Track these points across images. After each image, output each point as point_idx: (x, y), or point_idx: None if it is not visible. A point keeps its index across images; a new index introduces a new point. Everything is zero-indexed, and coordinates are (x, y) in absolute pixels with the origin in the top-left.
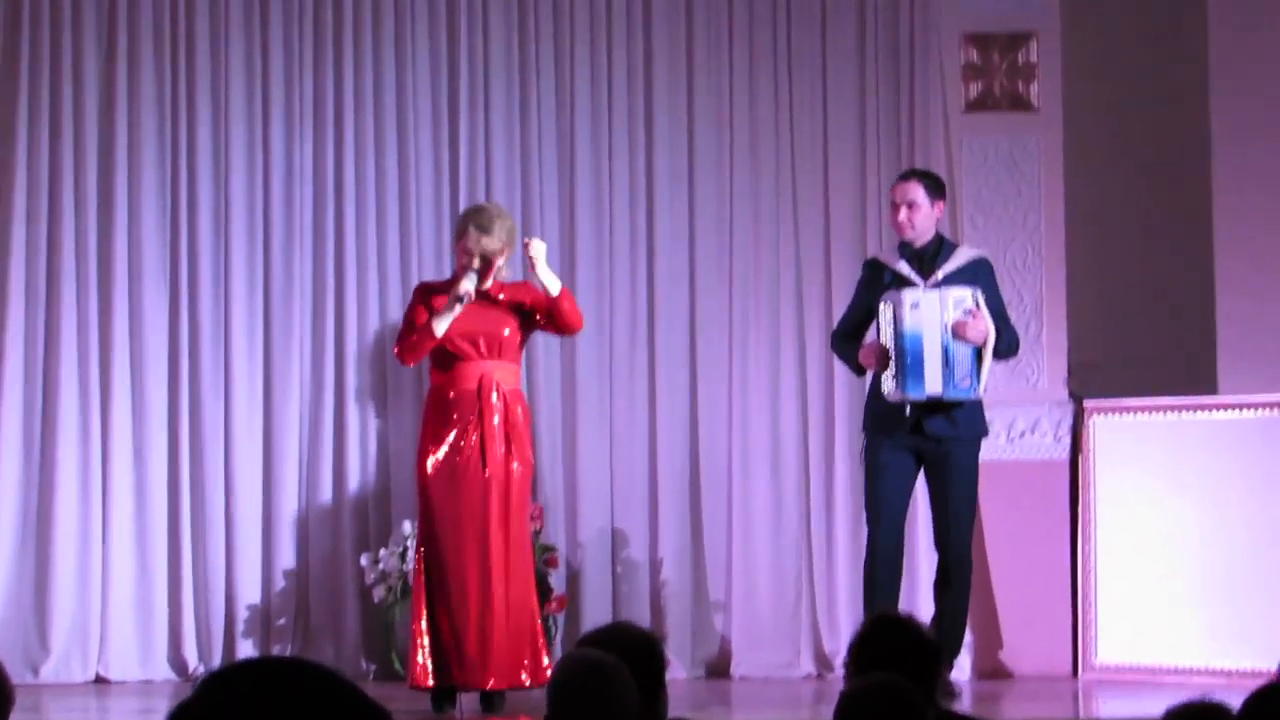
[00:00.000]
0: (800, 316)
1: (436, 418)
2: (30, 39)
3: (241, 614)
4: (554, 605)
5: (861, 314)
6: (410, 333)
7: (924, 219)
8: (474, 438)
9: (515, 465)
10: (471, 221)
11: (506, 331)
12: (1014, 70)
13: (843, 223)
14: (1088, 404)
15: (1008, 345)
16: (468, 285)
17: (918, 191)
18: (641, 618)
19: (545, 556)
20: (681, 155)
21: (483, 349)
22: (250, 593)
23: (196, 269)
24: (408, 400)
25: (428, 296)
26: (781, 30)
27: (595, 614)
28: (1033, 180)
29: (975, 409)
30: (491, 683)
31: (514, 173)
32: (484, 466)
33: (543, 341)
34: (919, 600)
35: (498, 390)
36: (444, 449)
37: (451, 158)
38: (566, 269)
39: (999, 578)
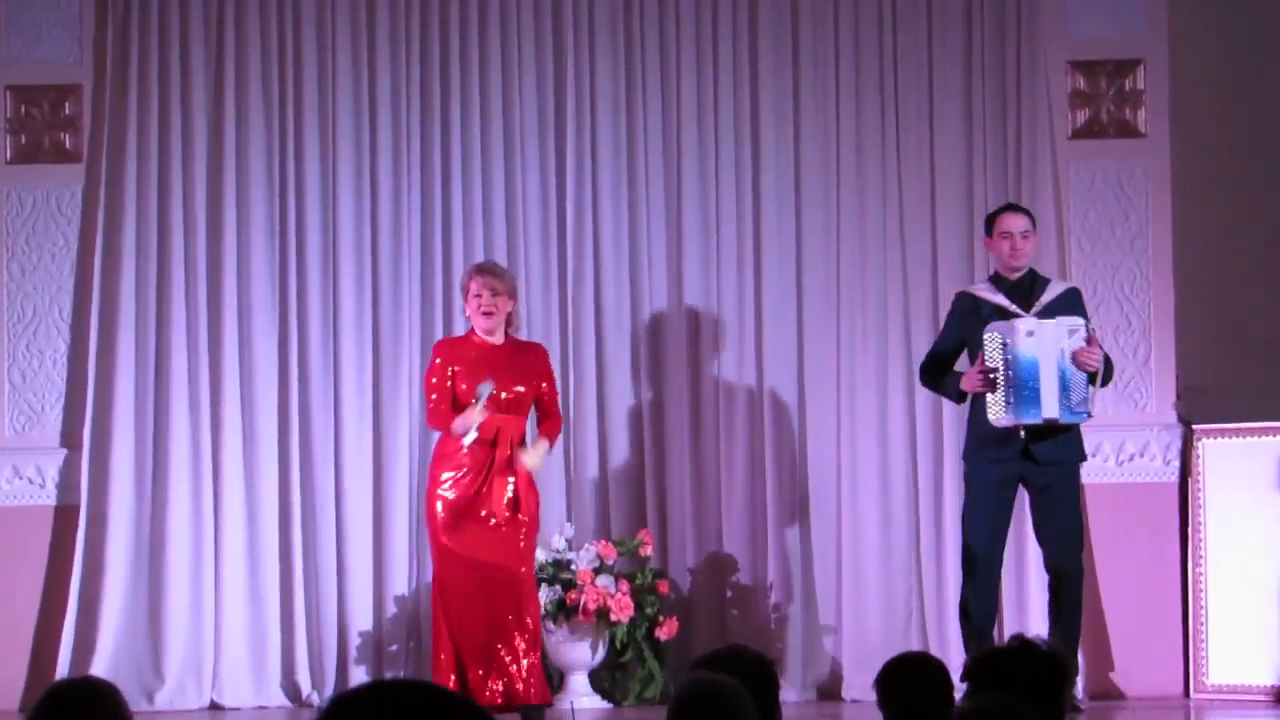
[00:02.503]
0: (908, 341)
1: (447, 464)
2: (139, 71)
3: (354, 640)
4: (664, 630)
5: (953, 346)
6: (433, 403)
7: (1031, 248)
8: (482, 486)
9: (521, 515)
10: (479, 272)
11: (519, 388)
12: (1121, 96)
13: (950, 247)
14: (1197, 428)
15: (1107, 372)
16: (473, 426)
17: (1027, 221)
18: (752, 641)
19: (655, 582)
20: (788, 179)
21: (494, 403)
22: (362, 619)
23: (305, 299)
24: None
25: (448, 358)
26: (888, 57)
27: (706, 639)
28: (1140, 205)
29: (1077, 434)
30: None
31: (620, 198)
32: (491, 513)
33: (656, 371)
34: (1030, 620)
35: (510, 442)
36: (453, 494)
37: (559, 186)
38: (674, 293)
39: (1110, 600)
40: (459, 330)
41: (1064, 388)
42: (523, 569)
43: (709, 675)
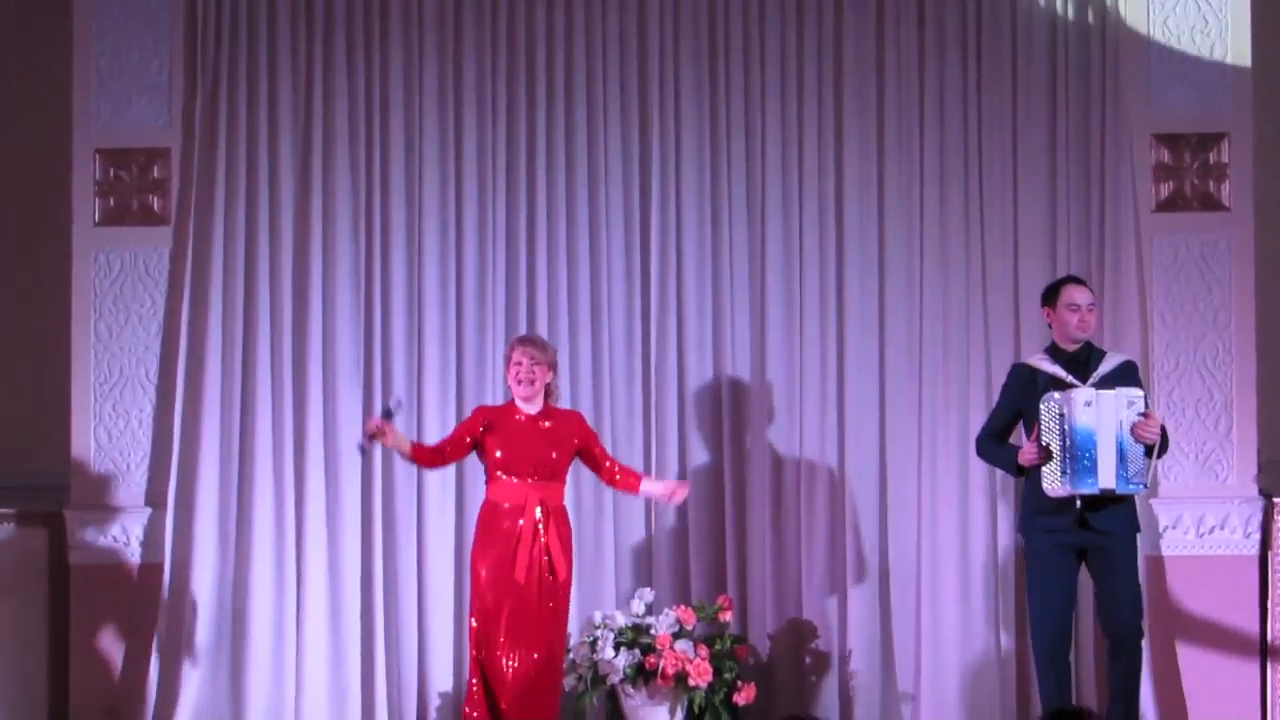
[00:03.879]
0: (989, 413)
1: (488, 530)
2: (227, 135)
3: (434, 701)
4: (743, 695)
5: (1009, 417)
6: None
7: (1095, 321)
8: (519, 550)
9: (553, 576)
10: (520, 342)
11: (554, 455)
12: (1205, 170)
13: (1032, 319)
14: (1278, 500)
15: (1163, 444)
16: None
17: (1092, 296)
18: (830, 707)
19: (734, 647)
20: (871, 252)
21: (533, 471)
22: (442, 680)
23: (389, 361)
24: (588, 491)
25: (483, 416)
26: (973, 126)
27: (785, 704)
28: (1223, 278)
29: (1133, 505)
30: None
31: (704, 266)
32: (527, 575)
33: (738, 436)
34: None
35: (543, 508)
36: (493, 557)
37: (643, 253)
38: (756, 366)
39: (1188, 671)
40: None
41: (1121, 458)
42: (552, 636)
43: None
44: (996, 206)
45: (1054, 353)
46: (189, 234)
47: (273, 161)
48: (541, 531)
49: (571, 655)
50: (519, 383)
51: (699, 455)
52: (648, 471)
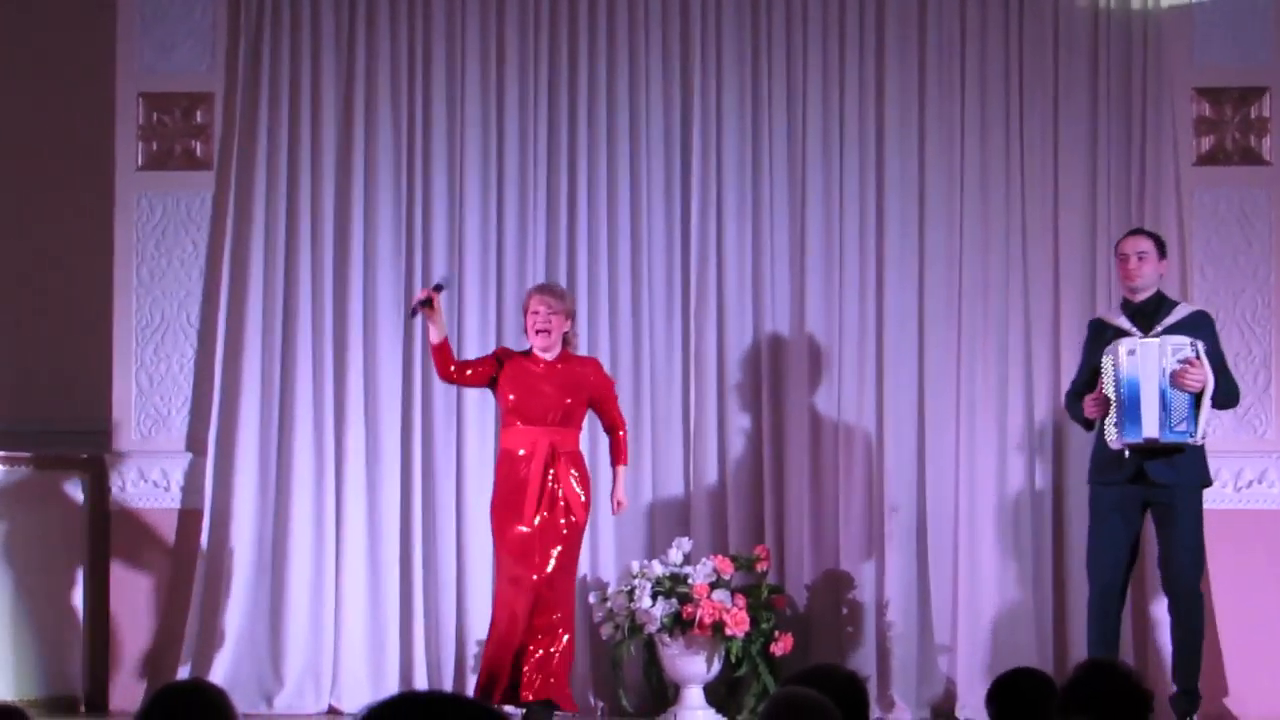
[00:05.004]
0: (1028, 363)
1: (504, 477)
2: (270, 80)
3: (471, 649)
4: (780, 645)
5: (1089, 372)
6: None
7: (1151, 271)
8: (534, 495)
9: (566, 519)
10: (538, 291)
11: (568, 401)
12: (1246, 124)
13: (1072, 272)
14: None
15: (1225, 395)
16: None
17: (1149, 244)
18: (867, 658)
19: (771, 597)
20: (912, 204)
21: (545, 417)
22: (479, 627)
23: None
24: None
25: (502, 355)
26: (1014, 81)
27: (822, 654)
28: (1264, 233)
29: (1197, 457)
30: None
31: (745, 221)
32: (538, 519)
33: (777, 388)
34: (1157, 640)
35: (555, 452)
36: (508, 503)
37: (683, 208)
38: (796, 319)
39: (1225, 625)
40: (581, 345)
41: (1165, 407)
42: (550, 570)
43: (798, 689)
44: (1037, 160)
45: (1125, 305)
46: (231, 179)
47: (315, 108)
48: (553, 477)
49: (609, 604)
50: (536, 332)
51: (738, 407)
52: (687, 427)
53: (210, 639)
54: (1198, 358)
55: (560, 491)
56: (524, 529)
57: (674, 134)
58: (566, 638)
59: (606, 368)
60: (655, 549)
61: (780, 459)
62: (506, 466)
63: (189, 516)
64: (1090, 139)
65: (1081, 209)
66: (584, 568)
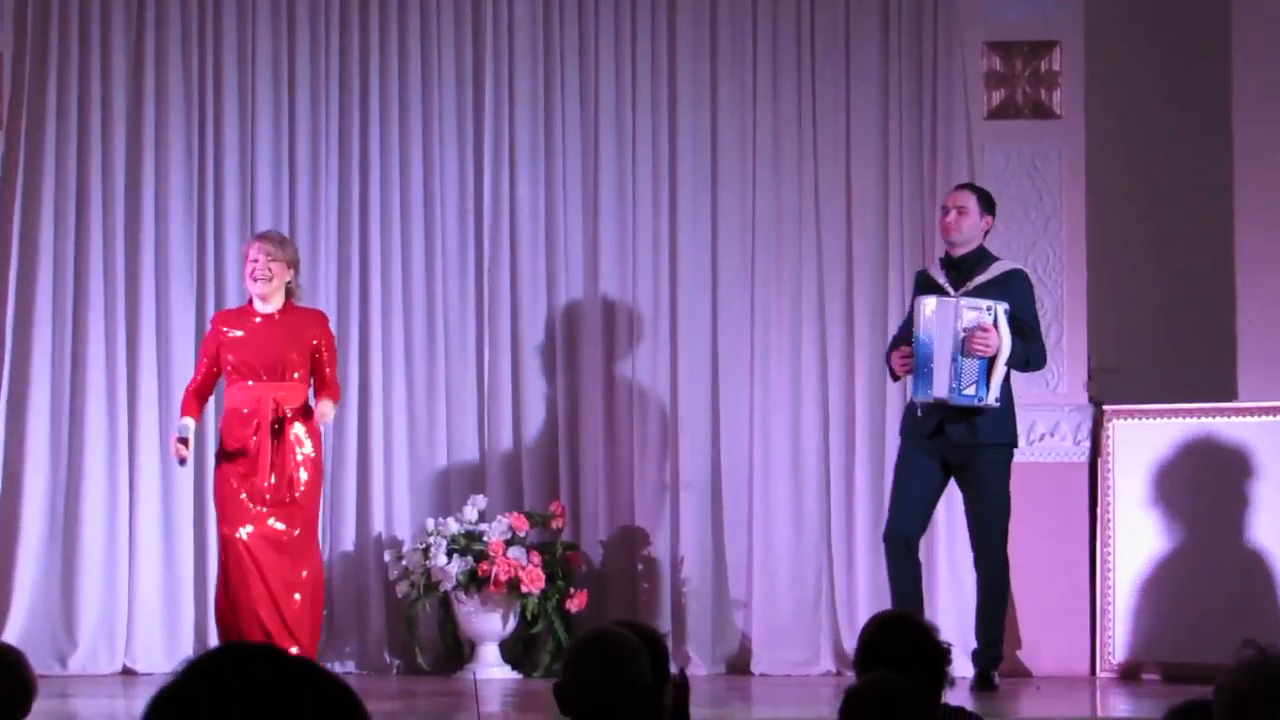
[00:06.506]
0: (821, 320)
1: (228, 434)
2: (59, 41)
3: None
4: (575, 602)
5: (908, 323)
6: (191, 382)
7: (971, 226)
8: (258, 453)
9: (296, 475)
10: (257, 238)
11: (293, 355)
12: (1037, 78)
13: (865, 226)
14: (1107, 408)
15: (1026, 359)
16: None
17: (970, 199)
18: (662, 615)
19: (566, 554)
20: (704, 160)
21: (265, 374)
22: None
23: (223, 276)
24: (422, 399)
25: (219, 324)
26: (805, 34)
27: (616, 611)
28: (1054, 187)
29: (1000, 417)
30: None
31: (537, 185)
32: (268, 478)
33: (571, 346)
34: (966, 603)
35: (278, 410)
36: (233, 463)
37: (475, 172)
38: (589, 276)
39: (1018, 579)
40: (375, 315)
41: (956, 370)
42: (296, 531)
43: (610, 627)
44: (829, 116)
45: (944, 260)
46: (20, 140)
47: (105, 64)
48: (279, 433)
49: (405, 562)
50: (255, 280)
51: (532, 364)
52: (481, 386)
53: (2, 599)
54: (995, 323)
55: (289, 450)
56: (250, 489)
57: (466, 93)
58: (308, 594)
59: (399, 328)
60: (451, 508)
61: (575, 416)
62: (229, 428)
63: None
64: (882, 94)
65: (874, 164)
66: (378, 525)
